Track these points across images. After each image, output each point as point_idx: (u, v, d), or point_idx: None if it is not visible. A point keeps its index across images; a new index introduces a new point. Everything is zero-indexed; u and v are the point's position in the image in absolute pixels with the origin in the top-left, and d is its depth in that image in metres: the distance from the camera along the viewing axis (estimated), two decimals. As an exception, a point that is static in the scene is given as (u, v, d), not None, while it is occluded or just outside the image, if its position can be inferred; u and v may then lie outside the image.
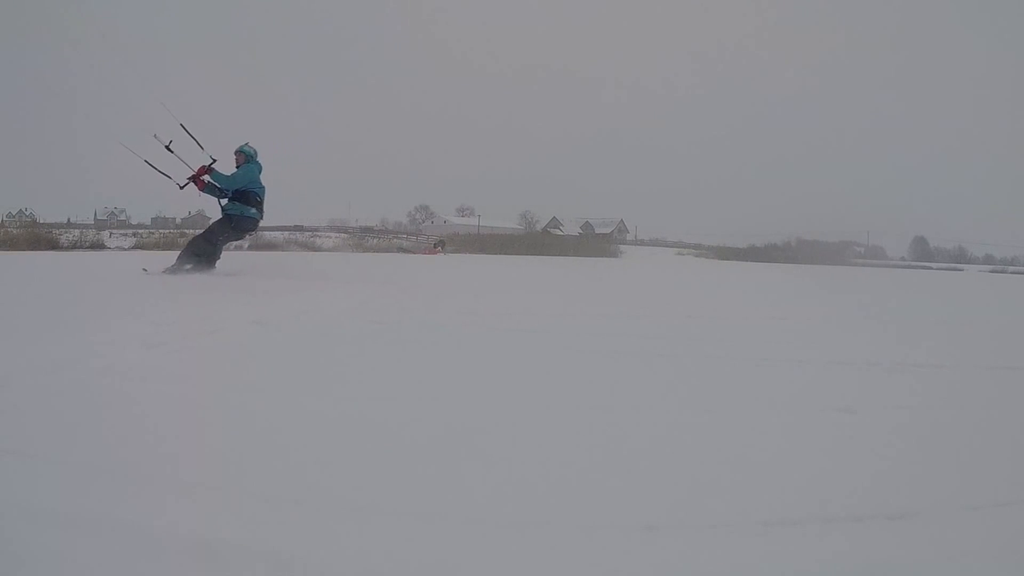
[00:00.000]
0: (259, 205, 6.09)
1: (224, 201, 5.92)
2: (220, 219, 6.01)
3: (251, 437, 1.21)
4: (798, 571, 0.80)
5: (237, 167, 6.01)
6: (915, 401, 1.71)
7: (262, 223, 6.35)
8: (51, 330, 2.31)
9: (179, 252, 5.92)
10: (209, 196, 5.90)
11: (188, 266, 5.73)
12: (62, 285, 4.49)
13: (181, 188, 5.76)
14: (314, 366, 1.91)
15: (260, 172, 6.11)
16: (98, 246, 14.98)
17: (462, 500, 0.95)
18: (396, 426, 1.30)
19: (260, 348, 2.16)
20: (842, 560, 0.82)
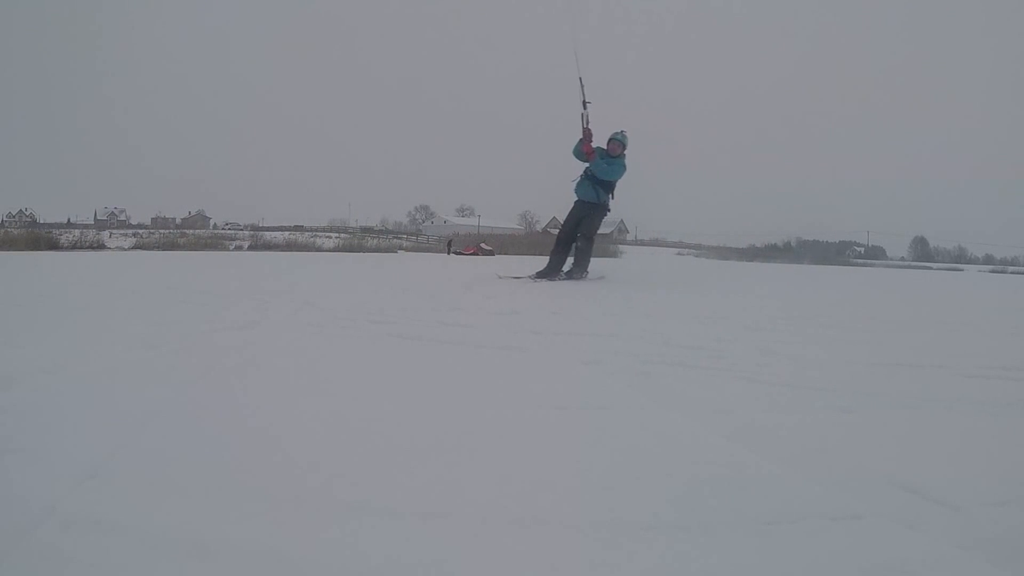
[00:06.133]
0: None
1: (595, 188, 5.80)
2: (599, 209, 5.86)
3: (251, 437, 1.21)
4: (798, 571, 0.80)
5: (612, 155, 5.81)
6: (915, 401, 1.71)
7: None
8: (51, 330, 2.31)
9: (573, 257, 5.90)
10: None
11: (587, 272, 5.84)
12: (62, 285, 4.49)
13: (581, 140, 5.70)
14: (314, 365, 1.91)
15: None
16: (98, 246, 14.99)
17: (462, 500, 0.95)
18: (396, 425, 1.30)
19: (260, 347, 2.16)
20: (842, 560, 0.82)
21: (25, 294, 3.70)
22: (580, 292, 5.07)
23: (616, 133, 5.83)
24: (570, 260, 5.99)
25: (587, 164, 5.77)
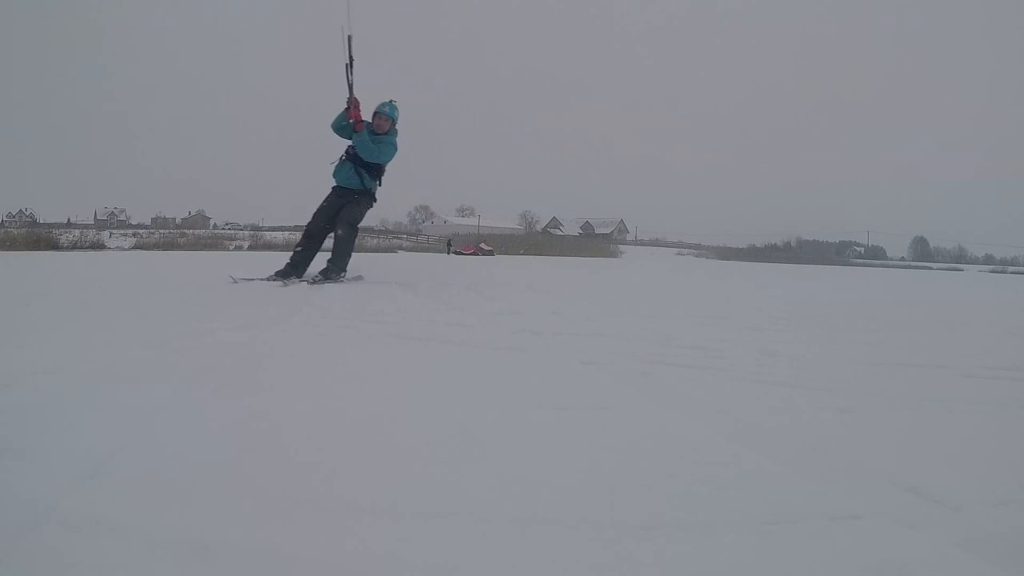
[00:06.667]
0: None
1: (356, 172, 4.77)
2: (364, 197, 4.81)
3: (251, 437, 1.21)
4: (798, 571, 0.80)
5: (378, 132, 4.74)
6: (915, 401, 1.71)
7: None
8: (52, 330, 2.31)
9: (332, 254, 4.79)
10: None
11: (345, 272, 4.80)
12: (62, 286, 4.48)
13: (346, 109, 4.66)
14: (313, 365, 1.91)
15: None
16: (98, 246, 14.97)
17: (462, 500, 0.95)
18: (396, 425, 1.30)
19: (259, 347, 2.16)
20: (842, 560, 0.82)
21: (25, 294, 3.70)
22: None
23: (382, 104, 4.77)
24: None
25: (350, 143, 4.77)
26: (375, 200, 5.00)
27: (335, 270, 4.75)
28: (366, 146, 4.66)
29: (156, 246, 16.47)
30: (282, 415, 1.35)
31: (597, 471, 1.09)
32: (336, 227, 4.81)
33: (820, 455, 1.22)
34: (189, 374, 1.69)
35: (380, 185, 4.98)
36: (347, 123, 4.69)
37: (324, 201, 4.91)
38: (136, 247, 16.03)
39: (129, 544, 0.78)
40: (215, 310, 3.08)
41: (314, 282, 4.61)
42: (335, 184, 4.91)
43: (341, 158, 4.85)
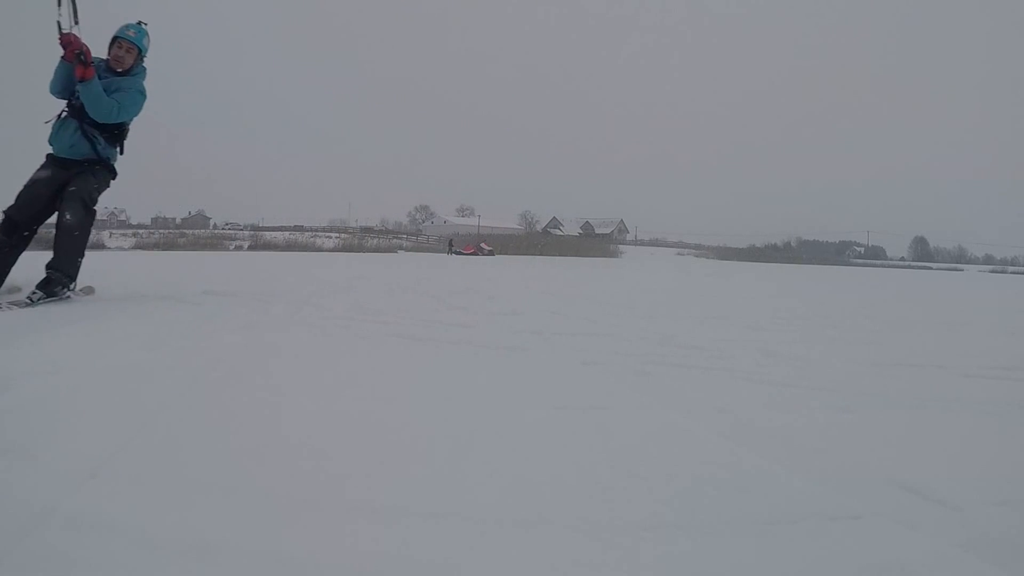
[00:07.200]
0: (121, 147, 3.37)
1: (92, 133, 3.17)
2: (100, 170, 3.26)
3: (251, 437, 1.21)
4: (798, 571, 0.80)
5: (117, 71, 3.20)
6: (915, 401, 1.71)
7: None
8: (52, 330, 2.31)
9: (59, 260, 3.07)
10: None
11: (75, 284, 3.19)
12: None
13: (63, 43, 2.99)
14: (314, 366, 1.91)
15: None
16: (98, 246, 14.98)
17: (463, 500, 0.95)
18: (398, 426, 1.31)
19: (260, 348, 2.16)
20: (842, 560, 0.82)
21: (25, 294, 3.69)
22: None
23: (125, 27, 3.21)
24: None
25: (72, 97, 3.14)
26: (115, 173, 3.36)
27: (62, 279, 3.08)
28: (98, 100, 3.05)
29: (156, 246, 16.48)
30: (283, 416, 1.35)
31: (597, 471, 1.09)
32: (64, 209, 3.07)
33: (820, 455, 1.22)
34: (189, 375, 1.69)
35: (122, 153, 3.37)
36: (68, 69, 3.04)
37: (33, 176, 3.17)
38: (136, 247, 16.04)
39: (129, 544, 0.78)
40: (216, 311, 3.08)
41: (32, 301, 2.96)
42: (51, 153, 3.23)
43: (60, 115, 3.20)
